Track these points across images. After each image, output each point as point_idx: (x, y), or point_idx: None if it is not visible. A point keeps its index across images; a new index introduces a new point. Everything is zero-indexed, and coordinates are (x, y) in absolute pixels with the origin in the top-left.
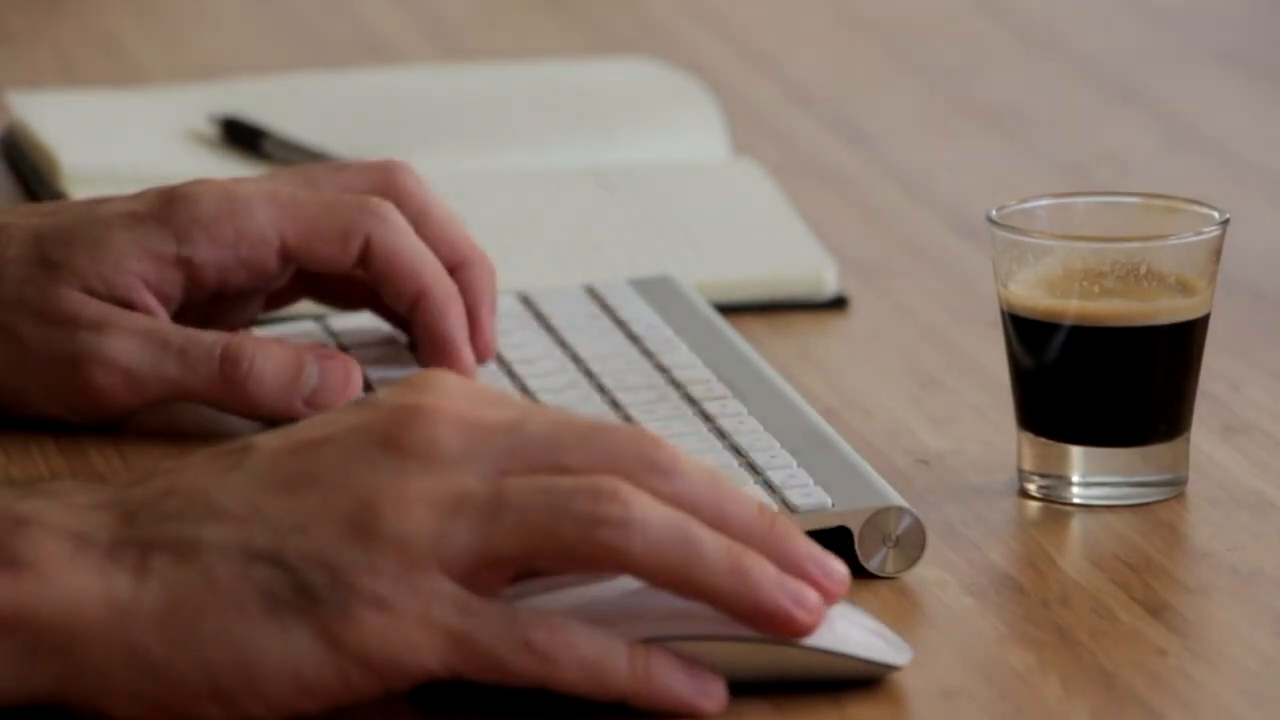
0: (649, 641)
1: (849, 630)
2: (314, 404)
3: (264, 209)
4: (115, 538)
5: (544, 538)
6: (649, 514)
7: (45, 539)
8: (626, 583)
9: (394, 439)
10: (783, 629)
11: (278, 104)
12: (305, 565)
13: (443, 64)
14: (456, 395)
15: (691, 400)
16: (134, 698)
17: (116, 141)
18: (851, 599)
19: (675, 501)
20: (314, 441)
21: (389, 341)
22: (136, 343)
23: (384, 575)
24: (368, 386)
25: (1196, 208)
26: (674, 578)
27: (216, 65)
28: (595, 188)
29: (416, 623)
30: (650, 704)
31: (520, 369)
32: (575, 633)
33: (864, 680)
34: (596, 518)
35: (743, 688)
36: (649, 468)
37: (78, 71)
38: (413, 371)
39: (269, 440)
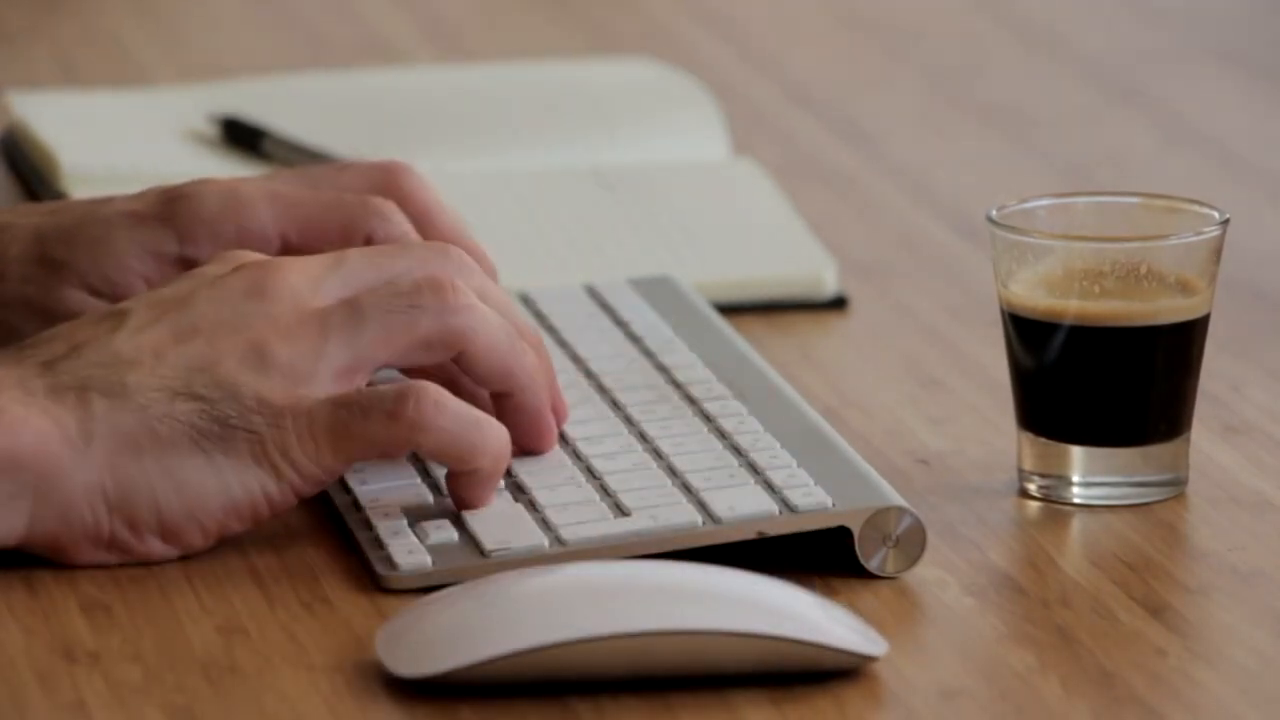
0: (642, 635)
1: (827, 624)
2: None
3: (265, 208)
4: (48, 385)
5: (405, 335)
6: (481, 304)
7: (31, 391)
8: (622, 575)
9: (256, 287)
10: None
11: (278, 104)
12: (217, 397)
13: (443, 64)
14: (272, 254)
15: (692, 400)
16: (91, 538)
17: (116, 141)
18: (851, 599)
19: (481, 297)
20: (182, 299)
21: None
22: None
23: (279, 397)
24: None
25: (1196, 208)
26: (503, 361)
27: (216, 65)
28: (595, 188)
29: (308, 431)
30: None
31: None
32: (445, 403)
33: (846, 671)
34: (447, 308)
35: (742, 684)
36: (457, 269)
37: (78, 71)
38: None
39: (138, 303)
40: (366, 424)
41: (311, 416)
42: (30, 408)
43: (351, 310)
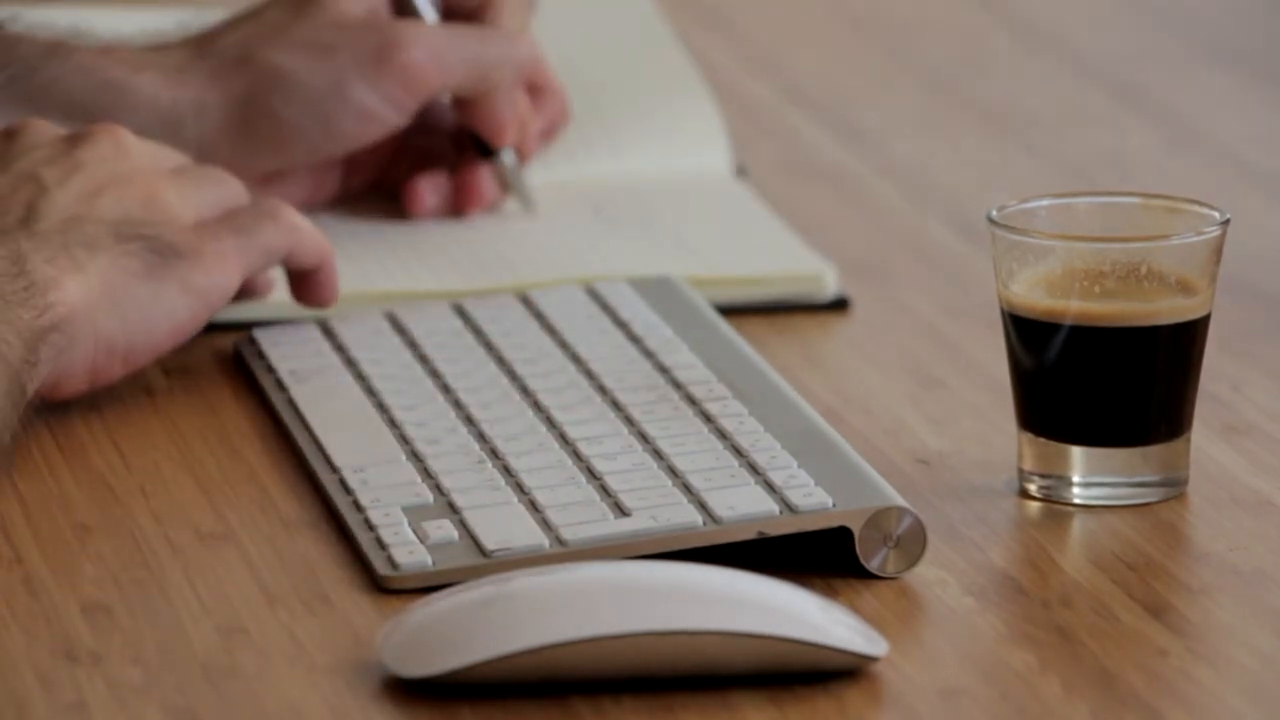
0: (639, 635)
1: (827, 624)
2: None
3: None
4: (39, 251)
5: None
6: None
7: (45, 257)
8: (622, 575)
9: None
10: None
11: None
12: (149, 234)
13: None
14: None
15: (692, 401)
16: (87, 369)
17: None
18: (852, 599)
19: None
20: (75, 165)
21: (388, 343)
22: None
23: (190, 235)
24: (366, 388)
25: (1196, 208)
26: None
27: None
28: (590, 211)
29: (225, 254)
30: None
31: (520, 369)
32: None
33: (847, 671)
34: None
35: (742, 684)
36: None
37: None
38: (414, 384)
39: (44, 174)
40: (261, 239)
41: (222, 248)
42: (54, 267)
43: (199, 168)
